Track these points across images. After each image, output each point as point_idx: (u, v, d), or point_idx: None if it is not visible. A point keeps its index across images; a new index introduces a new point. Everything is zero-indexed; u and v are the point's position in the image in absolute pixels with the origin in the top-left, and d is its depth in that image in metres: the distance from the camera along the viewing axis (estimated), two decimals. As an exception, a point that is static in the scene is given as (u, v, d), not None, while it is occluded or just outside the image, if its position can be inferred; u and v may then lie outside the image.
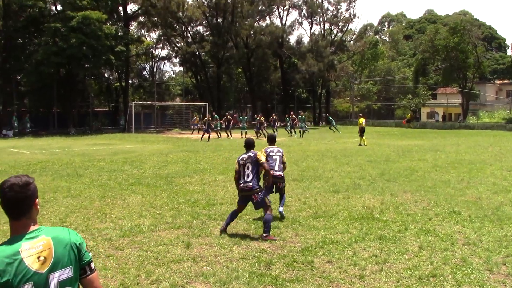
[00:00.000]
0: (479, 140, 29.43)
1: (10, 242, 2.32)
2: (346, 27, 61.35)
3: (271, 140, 9.26)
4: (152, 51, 57.85)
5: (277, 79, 62.17)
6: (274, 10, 57.67)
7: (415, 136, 34.56)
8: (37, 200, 2.45)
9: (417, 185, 11.95)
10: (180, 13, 49.10)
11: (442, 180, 12.87)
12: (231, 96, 61.02)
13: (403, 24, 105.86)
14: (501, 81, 74.05)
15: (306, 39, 63.24)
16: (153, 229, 7.79)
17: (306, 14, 59.79)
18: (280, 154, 8.88)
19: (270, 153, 8.81)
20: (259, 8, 53.73)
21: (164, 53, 61.83)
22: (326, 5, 59.35)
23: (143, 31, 54.39)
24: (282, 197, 8.88)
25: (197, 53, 52.10)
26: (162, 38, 54.45)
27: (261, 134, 31.98)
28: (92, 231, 7.65)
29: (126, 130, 42.06)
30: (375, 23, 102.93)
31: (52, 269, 2.33)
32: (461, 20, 55.98)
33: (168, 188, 11.73)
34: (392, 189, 11.44)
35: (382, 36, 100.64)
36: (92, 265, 2.53)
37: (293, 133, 35.78)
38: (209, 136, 30.21)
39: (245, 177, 7.58)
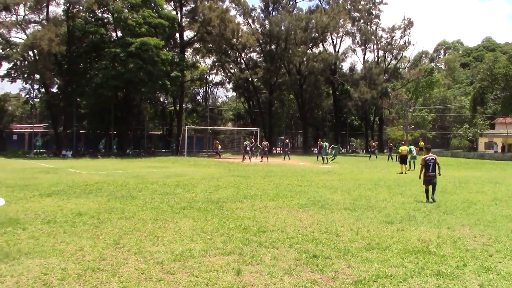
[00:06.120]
0: (542, 173, 28.06)
1: None
2: (401, 54, 60.61)
3: (427, 150, 15.45)
4: (206, 76, 59.12)
5: (329, 106, 61.93)
6: (327, 37, 57.79)
7: (472, 167, 33.37)
8: None
9: (476, 219, 11.44)
10: (235, 40, 50.07)
11: (503, 214, 12.28)
12: (282, 122, 61.27)
13: (460, 52, 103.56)
14: None
15: (359, 66, 63.01)
16: (204, 254, 7.78)
17: (359, 42, 59.64)
18: (433, 160, 14.46)
19: (427, 160, 14.47)
20: (313, 35, 53.91)
21: (217, 78, 63.21)
22: (380, 32, 59.11)
23: (198, 57, 55.81)
24: (434, 189, 14.40)
25: (250, 79, 52.80)
26: (216, 64, 55.70)
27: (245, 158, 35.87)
28: (144, 254, 7.73)
29: (178, 153, 42.87)
30: (431, 51, 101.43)
31: None
32: (522, 48, 54.26)
33: (219, 213, 11.75)
34: (449, 222, 11.00)
35: (438, 64, 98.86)
36: None
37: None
38: (249, 158, 35.69)
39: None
